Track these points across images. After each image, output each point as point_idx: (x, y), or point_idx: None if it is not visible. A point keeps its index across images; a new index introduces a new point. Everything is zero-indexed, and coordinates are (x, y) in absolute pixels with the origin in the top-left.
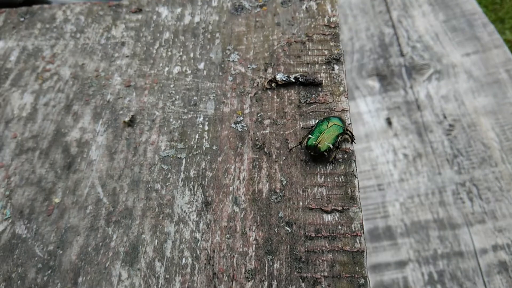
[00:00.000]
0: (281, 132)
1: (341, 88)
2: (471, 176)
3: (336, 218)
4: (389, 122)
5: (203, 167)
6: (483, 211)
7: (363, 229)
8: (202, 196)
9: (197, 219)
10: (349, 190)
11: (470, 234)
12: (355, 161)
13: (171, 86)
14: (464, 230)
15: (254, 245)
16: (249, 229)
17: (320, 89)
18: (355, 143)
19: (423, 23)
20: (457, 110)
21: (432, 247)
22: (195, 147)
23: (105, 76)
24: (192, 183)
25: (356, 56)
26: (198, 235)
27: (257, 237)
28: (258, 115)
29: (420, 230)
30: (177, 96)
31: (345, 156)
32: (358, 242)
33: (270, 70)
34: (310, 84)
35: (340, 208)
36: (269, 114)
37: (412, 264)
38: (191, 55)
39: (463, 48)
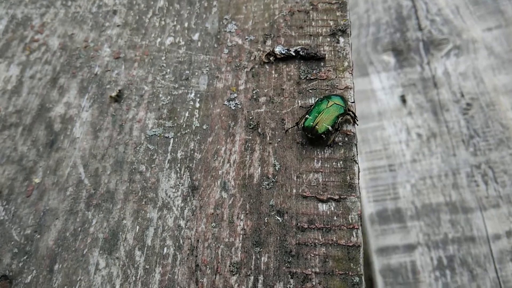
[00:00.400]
0: (277, 111)
1: (346, 63)
2: (487, 158)
3: (332, 208)
4: (403, 99)
5: (192, 148)
6: (498, 195)
7: (360, 221)
8: (189, 179)
9: (182, 205)
10: (348, 177)
11: (483, 219)
12: (356, 145)
13: (163, 58)
14: (477, 215)
15: (241, 236)
16: (237, 218)
17: (322, 64)
18: (357, 124)
19: None
20: (476, 88)
21: (442, 231)
22: (184, 126)
23: (94, 47)
24: (179, 165)
25: (371, 29)
26: (182, 223)
27: (245, 227)
28: (254, 91)
29: (431, 213)
30: (168, 70)
31: (346, 139)
32: (354, 235)
33: (269, 42)
34: (311, 58)
35: (336, 197)
36: (265, 91)
37: (421, 248)
38: (186, 24)
39: (485, 22)
